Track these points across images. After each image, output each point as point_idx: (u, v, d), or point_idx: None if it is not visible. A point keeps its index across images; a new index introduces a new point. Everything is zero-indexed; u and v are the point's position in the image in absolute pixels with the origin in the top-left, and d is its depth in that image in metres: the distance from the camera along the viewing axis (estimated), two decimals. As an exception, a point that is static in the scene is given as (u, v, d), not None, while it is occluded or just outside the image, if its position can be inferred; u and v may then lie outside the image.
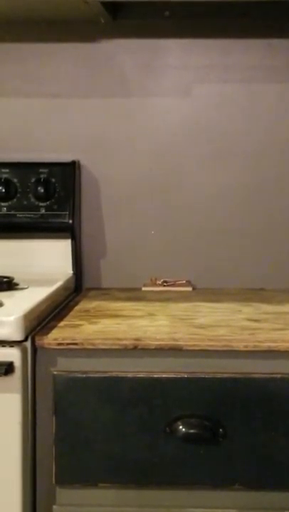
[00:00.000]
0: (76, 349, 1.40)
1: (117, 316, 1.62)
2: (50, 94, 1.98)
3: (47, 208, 1.91)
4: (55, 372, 1.41)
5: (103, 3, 1.72)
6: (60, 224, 1.91)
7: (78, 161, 1.97)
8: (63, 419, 1.40)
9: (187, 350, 1.40)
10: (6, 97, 2.00)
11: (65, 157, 1.95)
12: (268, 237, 1.99)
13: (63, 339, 1.41)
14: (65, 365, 1.41)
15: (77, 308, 1.71)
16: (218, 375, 1.40)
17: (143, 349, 1.40)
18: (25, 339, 1.39)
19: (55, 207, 1.91)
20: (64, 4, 1.72)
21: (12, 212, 1.91)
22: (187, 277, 1.99)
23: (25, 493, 1.40)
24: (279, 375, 1.39)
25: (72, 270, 1.93)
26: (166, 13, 1.89)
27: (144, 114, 1.98)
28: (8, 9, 1.79)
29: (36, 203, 1.91)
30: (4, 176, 1.92)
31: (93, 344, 1.40)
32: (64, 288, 1.78)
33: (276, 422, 1.39)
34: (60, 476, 1.42)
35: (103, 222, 2.00)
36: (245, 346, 1.40)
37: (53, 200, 1.91)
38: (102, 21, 1.89)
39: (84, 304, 1.75)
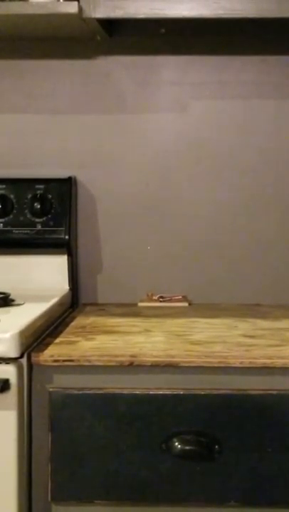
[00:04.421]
0: (72, 366, 1.40)
1: (113, 332, 1.62)
2: (46, 111, 1.99)
3: (43, 224, 1.91)
4: (50, 389, 1.41)
5: (99, 21, 1.73)
6: (57, 240, 1.91)
7: (75, 177, 1.97)
8: (59, 436, 1.40)
9: (183, 367, 1.40)
10: (2, 112, 2.00)
11: (62, 173, 1.96)
12: (265, 253, 1.99)
13: (59, 356, 1.41)
14: (61, 382, 1.41)
15: (73, 324, 1.71)
16: (214, 392, 1.40)
17: (139, 366, 1.40)
18: (21, 356, 1.39)
19: (52, 223, 1.91)
20: (61, 22, 1.73)
21: (8, 228, 1.91)
22: (183, 293, 1.99)
23: (20, 510, 1.40)
24: (274, 392, 1.39)
25: (69, 286, 1.93)
26: (162, 30, 1.90)
27: (141, 130, 1.99)
28: (5, 26, 1.80)
29: (32, 218, 1.91)
30: (0, 192, 1.92)
31: (89, 361, 1.40)
32: (60, 304, 1.78)
33: (272, 439, 1.39)
34: (55, 493, 1.41)
35: (99, 238, 2.00)
36: (241, 363, 1.40)
37: (49, 216, 1.91)
38: (99, 38, 1.90)
39: (80, 320, 1.76)
